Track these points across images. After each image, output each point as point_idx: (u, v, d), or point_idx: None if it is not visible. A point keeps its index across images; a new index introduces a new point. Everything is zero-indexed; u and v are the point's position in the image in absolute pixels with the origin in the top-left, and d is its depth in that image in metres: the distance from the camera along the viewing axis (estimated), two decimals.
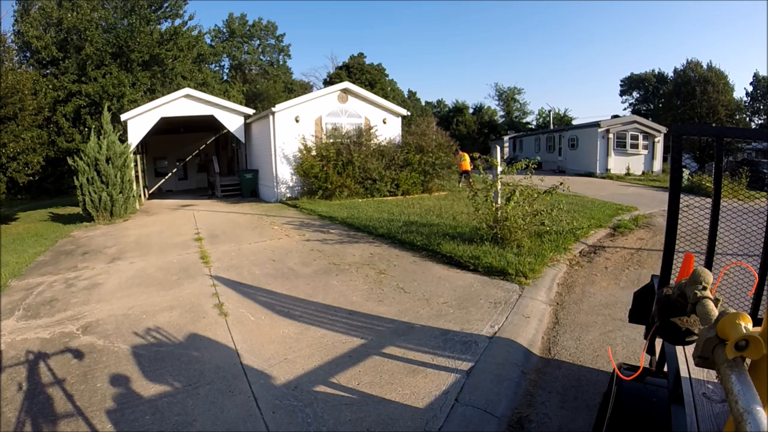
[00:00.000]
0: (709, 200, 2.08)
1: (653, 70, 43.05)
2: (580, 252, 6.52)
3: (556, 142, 26.60)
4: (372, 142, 14.18)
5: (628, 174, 21.47)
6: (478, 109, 44.95)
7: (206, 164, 21.03)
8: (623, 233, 7.73)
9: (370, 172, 13.34)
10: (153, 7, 21.60)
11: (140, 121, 14.19)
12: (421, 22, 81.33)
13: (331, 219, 9.74)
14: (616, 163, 22.02)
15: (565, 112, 41.49)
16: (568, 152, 24.87)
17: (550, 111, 39.34)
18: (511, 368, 3.24)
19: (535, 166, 6.84)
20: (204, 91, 18.43)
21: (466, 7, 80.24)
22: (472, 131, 40.89)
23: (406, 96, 46.29)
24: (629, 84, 45.94)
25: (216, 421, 2.65)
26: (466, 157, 16.06)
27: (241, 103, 24.65)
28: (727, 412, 1.47)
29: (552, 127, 34.82)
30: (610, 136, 21.90)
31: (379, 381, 3.05)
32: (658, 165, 22.93)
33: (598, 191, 13.99)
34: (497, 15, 78.18)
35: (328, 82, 38.53)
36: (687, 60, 30.50)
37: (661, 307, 1.49)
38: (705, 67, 29.34)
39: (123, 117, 14.09)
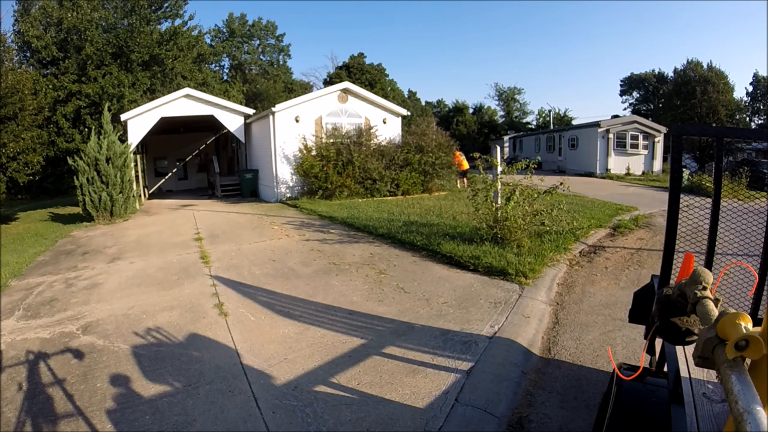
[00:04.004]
0: (709, 200, 2.08)
1: (653, 70, 42.99)
2: (580, 252, 6.51)
3: (556, 142, 26.59)
4: (372, 142, 14.16)
5: (628, 174, 21.46)
6: (478, 109, 44.93)
7: (206, 164, 21.01)
8: (623, 233, 7.73)
9: (370, 172, 13.33)
10: (153, 7, 21.63)
11: (140, 121, 14.19)
12: (421, 22, 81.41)
13: (331, 219, 9.74)
14: (616, 163, 22.01)
15: (565, 112, 41.48)
16: (568, 152, 24.86)
17: (550, 111, 39.35)
18: (511, 368, 3.24)
19: (535, 166, 6.84)
20: (204, 91, 18.40)
21: (466, 7, 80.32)
22: (472, 131, 40.86)
23: (406, 96, 46.24)
24: (629, 84, 45.89)
25: (216, 421, 2.65)
26: (461, 156, 15.99)
27: (241, 103, 24.63)
28: (727, 412, 1.47)
29: (552, 127, 34.79)
30: (610, 136, 21.89)
31: (379, 381, 3.05)
32: (658, 165, 22.92)
33: (598, 191, 13.99)
34: (497, 15, 78.27)
35: (328, 82, 38.50)
36: (687, 60, 30.58)
37: (661, 307, 1.49)
38: (705, 67, 29.36)
39: (123, 117, 14.07)
